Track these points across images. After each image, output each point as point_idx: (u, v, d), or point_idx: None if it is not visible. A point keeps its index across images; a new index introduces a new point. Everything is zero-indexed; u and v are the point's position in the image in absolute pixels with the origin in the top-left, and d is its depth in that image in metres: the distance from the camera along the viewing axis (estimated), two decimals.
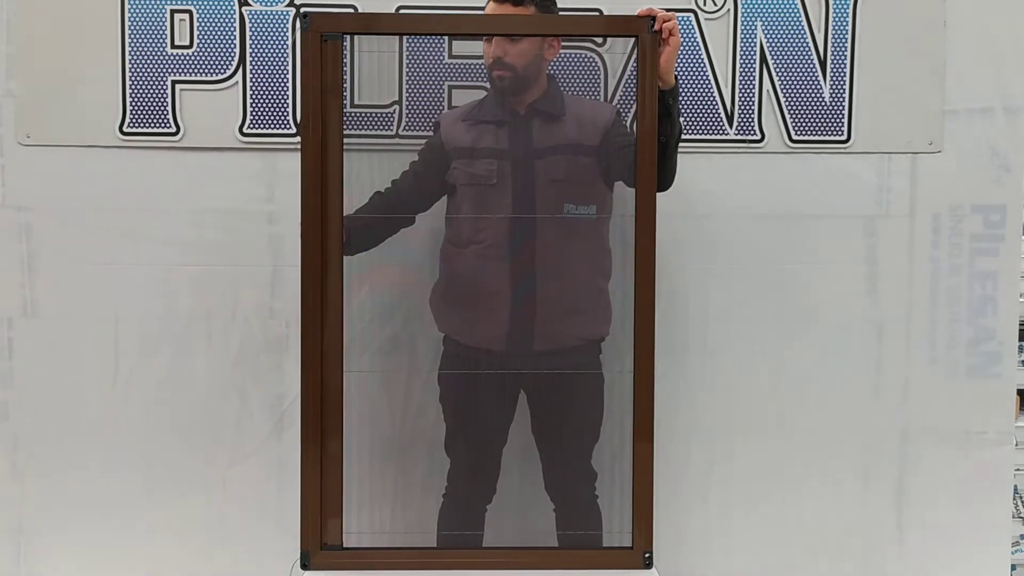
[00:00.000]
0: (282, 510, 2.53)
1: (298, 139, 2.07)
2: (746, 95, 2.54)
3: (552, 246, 2.23)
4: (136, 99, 2.49)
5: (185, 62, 2.50)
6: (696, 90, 2.54)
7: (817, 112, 2.55)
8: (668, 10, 2.00)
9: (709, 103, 2.54)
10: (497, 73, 2.19)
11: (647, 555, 2.00)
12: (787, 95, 2.54)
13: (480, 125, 2.28)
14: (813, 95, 2.55)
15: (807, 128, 2.55)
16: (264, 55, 2.50)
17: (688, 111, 2.53)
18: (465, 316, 2.30)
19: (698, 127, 2.54)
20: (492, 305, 2.26)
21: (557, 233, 2.23)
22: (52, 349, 2.54)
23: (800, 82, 2.54)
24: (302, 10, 2.46)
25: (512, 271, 2.22)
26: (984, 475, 2.62)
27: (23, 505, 2.57)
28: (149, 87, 2.49)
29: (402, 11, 2.49)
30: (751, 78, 2.54)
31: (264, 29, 2.50)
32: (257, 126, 2.51)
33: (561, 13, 2.31)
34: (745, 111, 2.55)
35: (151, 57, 2.49)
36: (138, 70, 2.49)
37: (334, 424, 2.02)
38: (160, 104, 2.50)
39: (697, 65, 2.53)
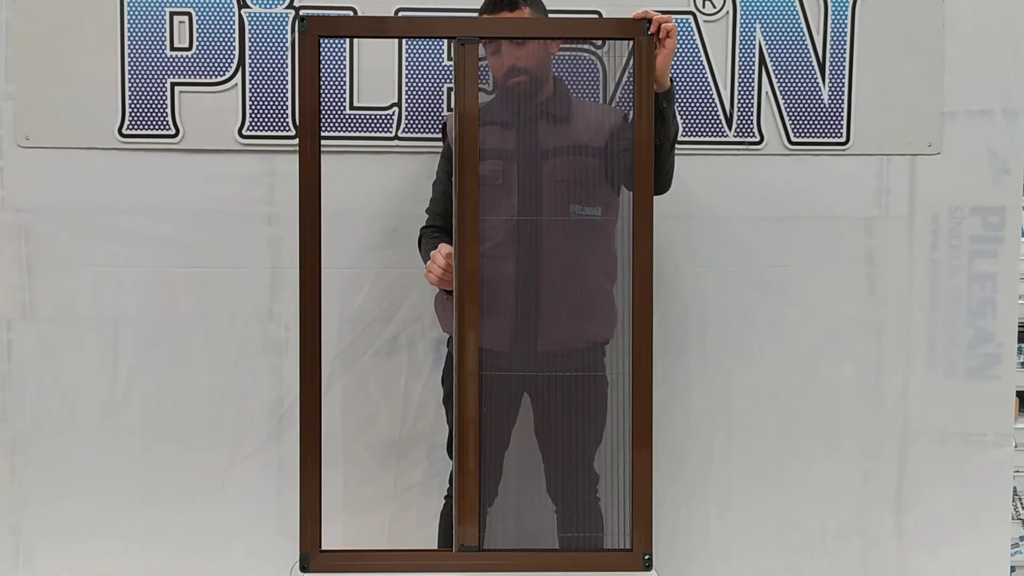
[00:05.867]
0: (281, 512, 2.54)
1: (297, 141, 2.07)
2: (745, 97, 2.55)
3: (558, 247, 2.23)
4: (135, 101, 2.50)
5: (184, 64, 2.50)
6: (695, 92, 2.54)
7: (816, 114, 2.55)
8: (667, 12, 2.00)
9: (708, 105, 2.54)
10: (513, 80, 2.19)
11: (647, 557, 2.00)
12: (786, 97, 2.55)
13: (487, 127, 2.28)
14: (812, 97, 2.55)
15: (806, 130, 2.56)
16: (263, 57, 2.50)
17: (687, 113, 2.53)
18: None
19: (697, 129, 2.54)
20: (497, 306, 2.26)
21: (563, 234, 2.23)
22: (51, 351, 2.54)
23: (799, 84, 2.54)
24: (300, 12, 2.46)
25: (517, 272, 2.22)
26: (984, 477, 2.62)
27: (22, 507, 2.57)
28: (148, 89, 2.49)
29: (401, 13, 2.49)
30: (750, 80, 2.54)
31: (263, 31, 2.50)
32: (256, 128, 2.52)
33: (560, 15, 2.31)
34: (744, 113, 2.55)
35: (150, 59, 2.49)
36: (137, 72, 2.49)
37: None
38: (159, 106, 2.50)
39: (696, 67, 2.53)
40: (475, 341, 2.00)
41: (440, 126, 2.44)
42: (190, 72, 2.50)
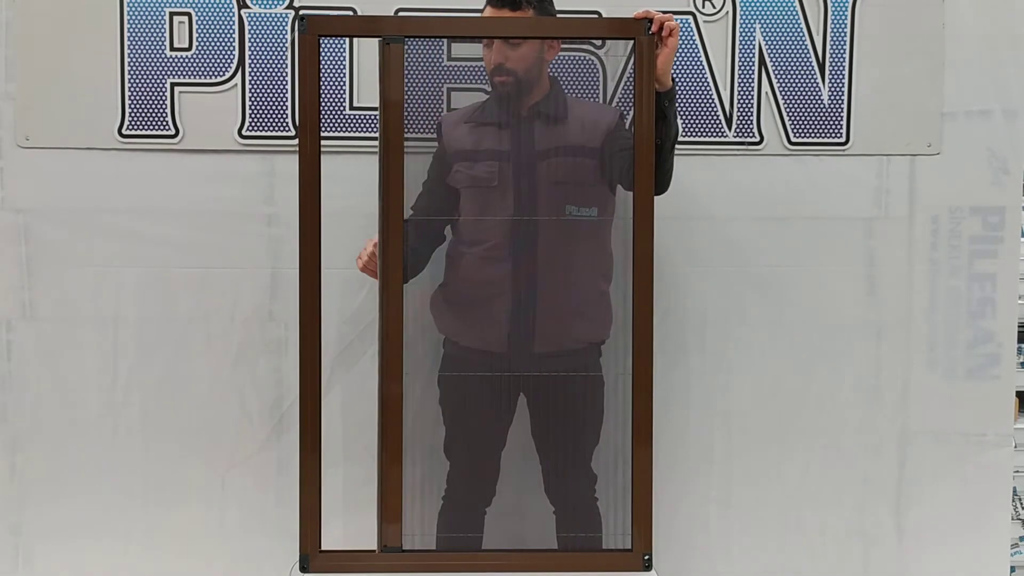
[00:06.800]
0: (281, 513, 2.53)
1: (297, 141, 2.07)
2: (745, 97, 2.55)
3: (553, 248, 2.23)
4: (135, 101, 2.50)
5: (184, 64, 2.50)
6: (695, 92, 2.54)
7: (816, 114, 2.55)
8: (666, 12, 2.00)
9: (708, 105, 2.54)
10: (499, 79, 2.19)
11: (646, 557, 2.00)
12: (786, 97, 2.55)
13: (482, 127, 2.28)
14: (812, 97, 2.55)
15: (806, 130, 2.56)
16: (263, 57, 2.50)
17: (687, 113, 2.53)
18: (466, 318, 2.30)
19: (697, 129, 2.54)
20: (493, 307, 2.26)
21: (559, 235, 2.23)
22: (51, 351, 2.54)
23: (799, 84, 2.54)
24: (300, 12, 2.46)
25: (513, 273, 2.22)
26: (983, 477, 2.62)
27: (22, 507, 2.57)
28: (148, 89, 2.49)
29: (401, 13, 2.49)
30: (750, 80, 2.54)
31: (263, 31, 2.50)
32: (256, 128, 2.52)
33: (560, 15, 2.31)
34: (744, 113, 2.55)
35: (150, 59, 2.49)
36: (137, 72, 2.49)
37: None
38: (159, 106, 2.50)
39: (696, 67, 2.53)
40: (399, 337, 1.99)
41: (436, 126, 2.43)
42: (190, 72, 2.50)
